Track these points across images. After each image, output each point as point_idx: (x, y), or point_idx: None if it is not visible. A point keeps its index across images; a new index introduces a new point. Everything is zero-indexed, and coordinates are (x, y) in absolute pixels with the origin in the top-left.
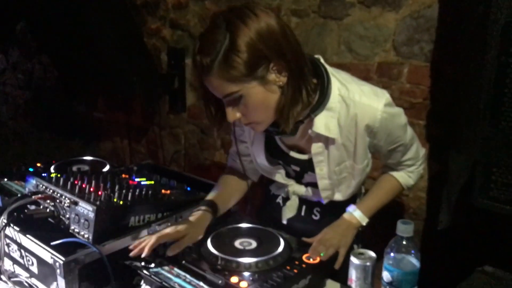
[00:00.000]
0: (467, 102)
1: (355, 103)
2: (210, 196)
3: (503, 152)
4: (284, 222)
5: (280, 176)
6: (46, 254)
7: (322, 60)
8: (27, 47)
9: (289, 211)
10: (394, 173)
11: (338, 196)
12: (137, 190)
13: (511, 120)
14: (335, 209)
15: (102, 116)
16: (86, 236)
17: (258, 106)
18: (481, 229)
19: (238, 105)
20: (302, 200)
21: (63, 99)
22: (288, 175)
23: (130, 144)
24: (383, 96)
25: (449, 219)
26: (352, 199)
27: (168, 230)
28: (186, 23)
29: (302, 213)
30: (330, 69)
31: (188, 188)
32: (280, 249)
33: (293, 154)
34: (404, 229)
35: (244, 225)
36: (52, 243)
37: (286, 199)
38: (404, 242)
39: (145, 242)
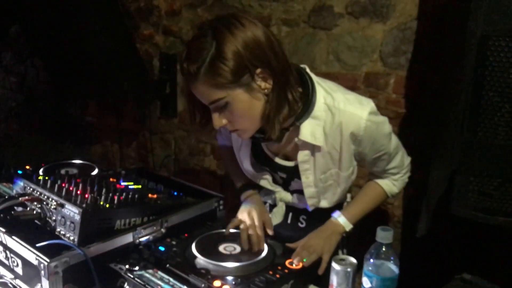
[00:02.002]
0: (447, 112)
1: (340, 111)
2: (242, 181)
3: (480, 162)
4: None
5: (267, 182)
6: (31, 255)
7: (308, 70)
8: (20, 50)
9: (275, 218)
10: (379, 181)
11: (324, 204)
12: (124, 194)
13: (487, 130)
14: (321, 217)
15: (93, 120)
16: (71, 238)
17: (243, 113)
18: (460, 237)
19: (224, 112)
20: (289, 208)
21: (55, 103)
22: (275, 181)
23: (120, 148)
24: (368, 105)
25: (427, 227)
26: (338, 207)
27: (256, 215)
28: (179, 30)
29: (288, 221)
30: (315, 78)
31: (175, 193)
32: (263, 254)
33: (279, 161)
34: (384, 235)
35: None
36: (37, 245)
37: (273, 206)
38: (383, 249)
39: (257, 239)
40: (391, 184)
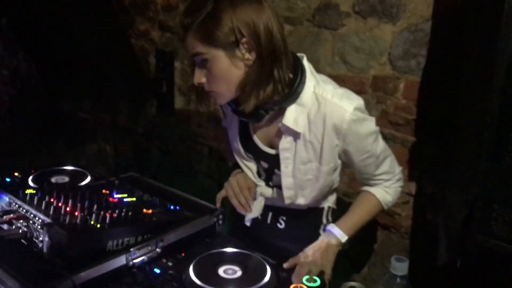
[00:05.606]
0: (467, 136)
1: (326, 102)
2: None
3: (506, 189)
4: (248, 223)
5: (251, 174)
6: (15, 283)
7: (305, 59)
8: (11, 43)
9: (254, 211)
10: (371, 189)
11: (301, 200)
12: (117, 211)
13: None
14: (301, 219)
15: (88, 117)
16: (59, 262)
17: (220, 76)
18: (478, 266)
19: (204, 69)
20: (269, 207)
21: (48, 98)
22: (259, 174)
23: (115, 147)
24: (356, 101)
25: (448, 254)
26: (318, 211)
27: (241, 179)
28: (176, 25)
29: (268, 221)
30: (310, 68)
31: (171, 207)
32: (267, 278)
33: (263, 147)
34: (399, 267)
35: (228, 249)
36: (21, 271)
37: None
38: (398, 280)
39: (244, 201)
40: (384, 192)
